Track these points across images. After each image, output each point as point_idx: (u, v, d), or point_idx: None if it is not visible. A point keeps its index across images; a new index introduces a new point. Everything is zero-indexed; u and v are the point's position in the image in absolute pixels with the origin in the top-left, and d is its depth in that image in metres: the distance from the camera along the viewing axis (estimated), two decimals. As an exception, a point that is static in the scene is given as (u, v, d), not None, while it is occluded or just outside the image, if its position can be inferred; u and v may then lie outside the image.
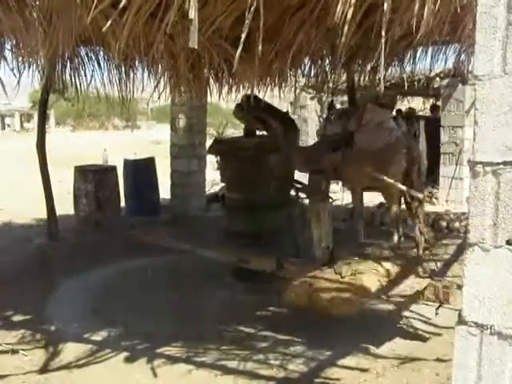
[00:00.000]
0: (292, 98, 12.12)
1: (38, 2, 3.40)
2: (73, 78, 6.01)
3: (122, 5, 2.82)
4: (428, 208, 8.85)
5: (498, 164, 1.47)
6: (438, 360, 3.98)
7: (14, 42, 4.59)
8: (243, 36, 2.42)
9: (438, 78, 10.27)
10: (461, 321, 1.56)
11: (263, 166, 5.79)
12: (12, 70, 4.88)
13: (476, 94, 1.51)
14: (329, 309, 4.23)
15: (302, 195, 5.90)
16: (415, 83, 10.29)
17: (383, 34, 2.51)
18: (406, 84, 9.09)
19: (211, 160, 9.97)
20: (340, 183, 7.07)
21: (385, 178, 4.86)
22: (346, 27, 2.71)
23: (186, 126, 9.79)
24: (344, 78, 7.40)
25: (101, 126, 41.46)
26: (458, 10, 3.09)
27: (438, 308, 4.23)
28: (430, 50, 6.09)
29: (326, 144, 5.41)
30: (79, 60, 5.90)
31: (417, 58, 6.33)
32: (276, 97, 6.62)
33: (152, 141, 22.97)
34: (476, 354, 1.54)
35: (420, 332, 4.55)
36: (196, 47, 2.17)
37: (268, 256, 5.13)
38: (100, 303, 5.39)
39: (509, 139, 1.45)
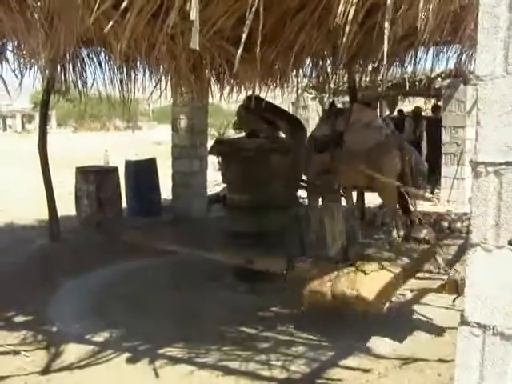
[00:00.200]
0: (293, 99, 12.12)
1: (39, 3, 3.40)
2: (74, 79, 6.02)
3: (123, 6, 2.83)
4: (429, 208, 8.87)
5: (500, 164, 1.46)
6: (440, 360, 3.98)
7: (16, 43, 4.60)
8: (244, 37, 2.42)
9: (439, 79, 10.27)
10: (463, 321, 1.56)
11: (265, 167, 5.79)
12: (14, 71, 4.89)
13: (478, 95, 1.51)
14: (357, 305, 4.23)
15: (304, 195, 5.91)
16: (416, 83, 10.29)
17: (387, 33, 2.51)
18: (407, 84, 9.10)
19: (212, 161, 9.99)
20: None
21: (379, 175, 4.87)
22: (347, 27, 2.71)
23: (187, 127, 9.79)
24: (345, 78, 7.41)
25: (102, 126, 41.49)
26: (459, 11, 3.09)
27: (454, 300, 4.21)
28: (432, 50, 6.09)
29: (313, 145, 5.45)
30: (81, 61, 5.92)
31: (418, 59, 6.32)
32: (278, 97, 6.63)
33: (153, 141, 22.97)
34: (478, 354, 1.54)
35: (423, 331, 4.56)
36: (197, 48, 2.17)
37: (277, 256, 5.13)
38: (101, 304, 5.39)
39: (511, 139, 1.45)
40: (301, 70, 6.48)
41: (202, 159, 9.91)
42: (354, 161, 5.07)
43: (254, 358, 4.17)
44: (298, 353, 4.25)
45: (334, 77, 6.92)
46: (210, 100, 8.10)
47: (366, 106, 5.76)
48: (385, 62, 2.85)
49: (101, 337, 4.63)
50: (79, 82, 6.04)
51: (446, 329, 4.43)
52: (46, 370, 4.04)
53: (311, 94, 12.78)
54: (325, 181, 5.21)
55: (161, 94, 5.94)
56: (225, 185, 7.31)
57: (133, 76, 5.91)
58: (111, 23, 2.97)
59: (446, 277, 4.40)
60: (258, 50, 2.74)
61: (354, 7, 2.65)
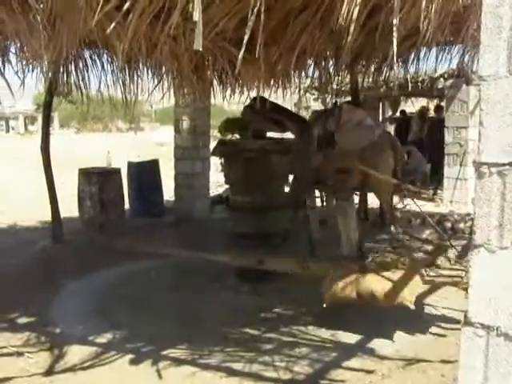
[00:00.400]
0: (296, 100, 12.13)
1: (42, 5, 3.41)
2: (77, 81, 6.03)
3: (125, 7, 2.84)
4: (432, 209, 8.87)
5: (503, 165, 1.46)
6: (443, 361, 3.97)
7: (19, 45, 4.61)
8: (246, 38, 2.42)
9: (441, 79, 10.26)
10: (467, 322, 1.56)
11: (267, 167, 5.79)
12: (16, 72, 4.90)
13: (481, 95, 1.50)
14: (384, 302, 4.27)
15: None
16: (419, 84, 10.28)
17: (395, 34, 2.50)
18: (409, 85, 9.08)
19: (215, 162, 9.98)
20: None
21: (374, 172, 4.88)
22: (352, 28, 2.71)
23: (189, 128, 9.79)
24: (348, 79, 7.41)
25: (104, 128, 41.58)
26: (462, 10, 3.09)
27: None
28: (434, 50, 6.08)
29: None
30: (83, 62, 5.93)
31: (421, 59, 6.32)
32: (280, 98, 6.63)
33: (155, 143, 22.98)
34: (482, 355, 1.53)
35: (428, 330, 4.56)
36: (201, 49, 2.17)
37: (288, 256, 5.13)
38: (104, 305, 5.39)
39: (514, 140, 1.45)
40: (303, 71, 6.48)
41: (204, 160, 9.91)
42: (348, 160, 5.09)
43: (257, 359, 4.16)
44: (302, 354, 4.24)
45: (337, 77, 6.92)
46: (213, 101, 8.12)
47: (355, 106, 5.78)
48: (394, 61, 2.83)
49: (104, 338, 4.63)
50: (81, 84, 6.05)
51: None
52: (49, 372, 4.04)
53: (313, 94, 12.79)
54: (337, 180, 5.21)
55: (163, 95, 5.94)
56: (227, 186, 7.32)
57: (135, 77, 5.92)
58: (113, 24, 2.98)
59: (454, 272, 4.41)
60: (260, 50, 2.74)
61: (357, 8, 2.65)
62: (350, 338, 4.48)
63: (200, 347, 4.36)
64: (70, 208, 8.80)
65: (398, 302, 4.22)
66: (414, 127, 13.19)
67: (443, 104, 11.49)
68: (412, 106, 16.30)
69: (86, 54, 5.87)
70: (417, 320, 4.60)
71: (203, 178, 10.03)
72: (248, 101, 6.24)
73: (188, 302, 5.40)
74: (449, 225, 8.41)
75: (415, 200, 5.95)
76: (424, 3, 2.71)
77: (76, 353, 4.33)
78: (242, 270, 5.57)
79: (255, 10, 2.39)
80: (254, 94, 6.04)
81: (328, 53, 5.88)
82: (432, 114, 14.15)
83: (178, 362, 4.14)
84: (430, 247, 6.82)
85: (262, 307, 5.19)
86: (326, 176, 5.42)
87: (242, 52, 2.50)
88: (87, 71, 5.99)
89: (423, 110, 13.99)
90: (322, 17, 4.06)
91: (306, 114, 13.23)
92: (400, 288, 4.23)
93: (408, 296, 4.21)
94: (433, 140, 11.22)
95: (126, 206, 9.46)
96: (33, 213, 9.53)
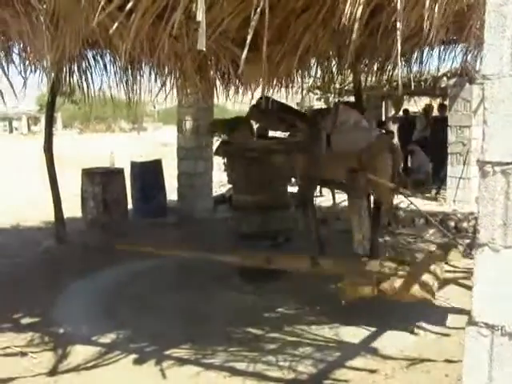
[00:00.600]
0: (299, 99, 12.11)
1: (44, 6, 3.41)
2: (80, 81, 6.03)
3: (128, 7, 2.84)
4: (435, 208, 8.85)
5: (507, 164, 1.46)
6: (447, 361, 3.97)
7: (22, 46, 4.61)
8: (249, 38, 2.42)
9: (444, 78, 10.23)
10: (471, 321, 1.56)
11: (270, 167, 5.79)
12: (19, 73, 4.91)
13: (485, 94, 1.50)
14: (406, 296, 4.34)
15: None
16: (422, 83, 10.25)
17: (399, 33, 2.50)
18: (412, 84, 9.06)
19: (218, 161, 9.98)
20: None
21: (373, 177, 4.88)
22: (355, 27, 2.70)
23: (192, 128, 9.79)
24: (350, 78, 7.40)
25: (107, 128, 41.62)
26: (465, 9, 3.08)
27: None
28: (437, 49, 6.07)
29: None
30: (86, 63, 5.93)
31: (424, 58, 6.30)
32: (283, 97, 6.62)
33: (159, 143, 23.00)
34: (487, 354, 1.53)
35: (429, 332, 4.55)
36: (204, 49, 2.17)
37: (298, 255, 5.14)
38: (108, 305, 5.40)
39: (518, 139, 1.44)
40: (306, 71, 6.47)
41: (207, 160, 9.92)
42: (346, 161, 5.10)
43: (260, 358, 4.16)
44: (305, 353, 4.24)
45: (339, 77, 6.92)
46: (216, 101, 8.11)
47: (350, 107, 5.77)
48: (398, 60, 2.81)
49: (108, 338, 4.64)
50: (84, 84, 6.05)
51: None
52: (53, 372, 4.05)
53: (316, 94, 12.76)
54: (350, 178, 5.21)
55: (166, 95, 5.94)
56: (230, 185, 7.32)
57: (138, 77, 5.92)
58: (116, 25, 2.97)
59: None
60: (263, 50, 2.74)
61: (361, 7, 2.64)
62: (354, 337, 4.49)
63: (204, 347, 4.37)
64: (73, 208, 8.81)
65: (421, 297, 4.28)
66: (418, 126, 13.15)
67: (446, 103, 11.46)
68: (415, 105, 16.25)
69: (89, 54, 5.87)
70: (426, 317, 4.65)
71: (206, 177, 10.03)
72: (253, 101, 6.23)
73: (191, 301, 5.40)
74: (452, 224, 8.40)
75: (418, 199, 5.94)
76: (428, 2, 2.71)
77: (80, 353, 4.34)
78: (245, 270, 5.57)
79: (258, 10, 2.39)
80: (257, 93, 6.03)
81: (331, 52, 5.87)
82: (436, 112, 14.10)
83: (182, 361, 4.15)
84: (433, 247, 6.82)
85: (266, 307, 5.19)
86: (336, 174, 5.41)
87: (245, 52, 2.50)
88: (90, 71, 6.00)
89: (428, 108, 13.95)
90: (324, 17, 4.05)
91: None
92: (421, 283, 4.29)
93: (429, 290, 4.27)
94: (436, 139, 11.18)
95: (129, 205, 9.47)
96: (36, 213, 9.55)
